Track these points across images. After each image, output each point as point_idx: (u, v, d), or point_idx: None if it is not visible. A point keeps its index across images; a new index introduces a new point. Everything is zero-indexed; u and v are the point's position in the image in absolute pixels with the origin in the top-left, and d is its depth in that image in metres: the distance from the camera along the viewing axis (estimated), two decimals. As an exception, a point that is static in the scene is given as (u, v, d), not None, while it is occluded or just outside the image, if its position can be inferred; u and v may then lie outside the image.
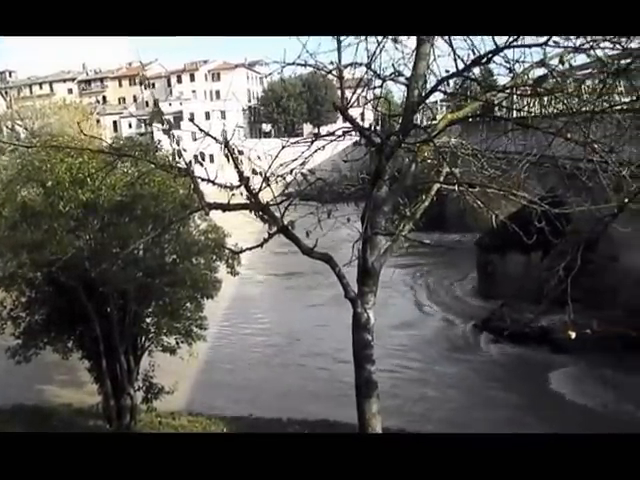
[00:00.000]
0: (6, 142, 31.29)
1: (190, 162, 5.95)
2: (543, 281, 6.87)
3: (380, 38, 5.77)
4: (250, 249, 7.00)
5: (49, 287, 15.73)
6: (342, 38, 5.72)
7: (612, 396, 18.74)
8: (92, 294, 15.01)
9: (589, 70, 5.76)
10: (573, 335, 5.08)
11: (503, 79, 6.10)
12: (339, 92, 6.56)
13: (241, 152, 5.98)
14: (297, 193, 6.51)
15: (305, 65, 6.10)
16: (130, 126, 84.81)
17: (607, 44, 4.65)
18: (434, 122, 6.64)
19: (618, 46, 4.65)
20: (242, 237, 10.85)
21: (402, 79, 6.31)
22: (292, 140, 6.74)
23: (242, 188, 6.06)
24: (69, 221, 14.51)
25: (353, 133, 6.68)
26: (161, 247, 16.10)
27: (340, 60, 5.96)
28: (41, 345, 15.76)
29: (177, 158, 5.95)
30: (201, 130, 5.93)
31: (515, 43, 4.84)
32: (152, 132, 51.84)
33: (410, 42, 6.17)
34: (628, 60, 4.60)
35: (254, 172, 6.04)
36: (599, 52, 4.70)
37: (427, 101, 6.86)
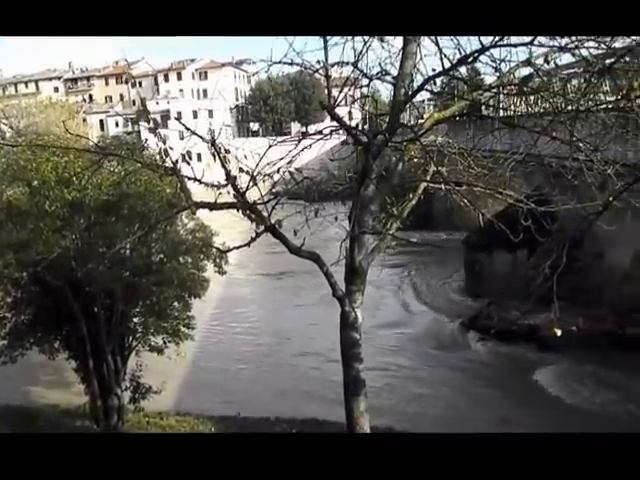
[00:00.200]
0: (-9, 141, 31.01)
1: (177, 161, 5.93)
2: (529, 279, 6.89)
3: (367, 37, 5.78)
4: (237, 248, 6.98)
5: (35, 287, 15.63)
6: (328, 37, 5.72)
7: (598, 392, 18.92)
8: (79, 294, 14.92)
9: (574, 69, 5.80)
10: (559, 332, 5.11)
11: (490, 78, 6.13)
12: (326, 91, 6.55)
13: (228, 151, 5.96)
14: (284, 192, 6.51)
15: (292, 64, 6.09)
16: (117, 125, 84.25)
17: (592, 43, 4.69)
18: (421, 121, 6.66)
19: (603, 45, 4.69)
20: (231, 236, 10.83)
21: (389, 78, 6.33)
22: (279, 139, 6.74)
23: (229, 187, 6.05)
24: (55, 220, 14.41)
25: (340, 132, 6.69)
26: (148, 246, 16.03)
27: (327, 59, 5.96)
28: (27, 345, 15.65)
29: (164, 157, 5.93)
30: (187, 129, 5.91)
31: (501, 42, 4.87)
32: (139, 131, 51.55)
33: (397, 41, 6.20)
34: (612, 59, 4.63)
35: (241, 171, 6.03)
36: (584, 51, 4.74)
37: (414, 100, 6.88)
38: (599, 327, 21.37)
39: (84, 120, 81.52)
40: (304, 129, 79.28)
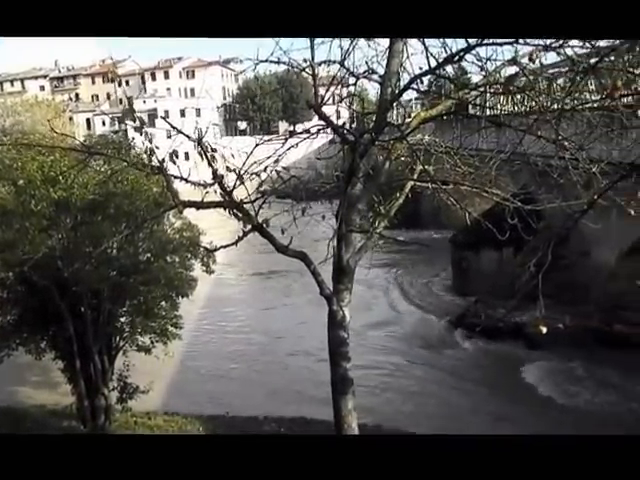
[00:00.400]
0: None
1: (164, 160, 5.91)
2: (516, 277, 6.93)
3: (353, 36, 5.78)
4: (224, 247, 6.97)
5: (21, 287, 15.53)
6: (315, 36, 5.72)
7: (583, 389, 19.10)
8: (65, 293, 14.85)
9: (559, 69, 5.83)
10: (544, 330, 5.14)
11: (476, 77, 6.16)
12: (313, 90, 6.55)
13: (215, 150, 5.94)
14: (272, 191, 6.50)
15: (278, 62, 6.09)
16: (104, 124, 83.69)
17: (576, 42, 4.71)
18: (408, 120, 6.67)
19: (587, 45, 4.72)
20: (221, 236, 10.80)
21: (375, 77, 6.33)
22: (266, 138, 6.73)
23: (216, 186, 6.03)
24: (41, 220, 14.31)
25: (328, 131, 6.69)
26: (135, 245, 15.98)
27: (313, 58, 5.96)
28: (13, 346, 15.56)
29: (150, 156, 5.91)
30: (174, 128, 5.89)
31: (486, 41, 4.89)
32: (125, 130, 51.30)
33: (383, 40, 6.20)
34: (597, 59, 4.66)
35: (228, 170, 6.01)
36: (569, 51, 4.77)
37: (401, 99, 6.89)
38: (586, 324, 21.54)
39: (70, 119, 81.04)
40: (291, 128, 79.31)
